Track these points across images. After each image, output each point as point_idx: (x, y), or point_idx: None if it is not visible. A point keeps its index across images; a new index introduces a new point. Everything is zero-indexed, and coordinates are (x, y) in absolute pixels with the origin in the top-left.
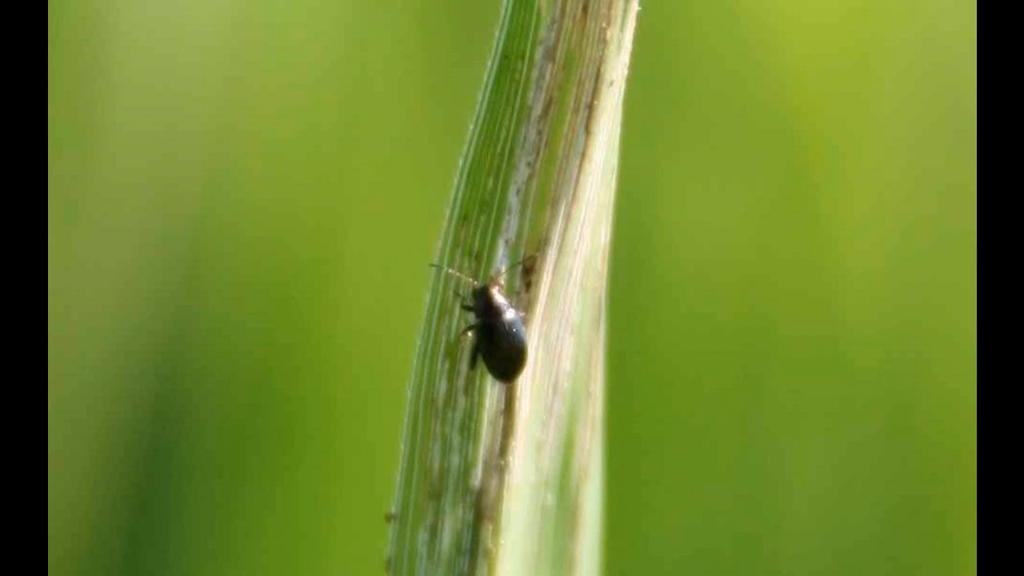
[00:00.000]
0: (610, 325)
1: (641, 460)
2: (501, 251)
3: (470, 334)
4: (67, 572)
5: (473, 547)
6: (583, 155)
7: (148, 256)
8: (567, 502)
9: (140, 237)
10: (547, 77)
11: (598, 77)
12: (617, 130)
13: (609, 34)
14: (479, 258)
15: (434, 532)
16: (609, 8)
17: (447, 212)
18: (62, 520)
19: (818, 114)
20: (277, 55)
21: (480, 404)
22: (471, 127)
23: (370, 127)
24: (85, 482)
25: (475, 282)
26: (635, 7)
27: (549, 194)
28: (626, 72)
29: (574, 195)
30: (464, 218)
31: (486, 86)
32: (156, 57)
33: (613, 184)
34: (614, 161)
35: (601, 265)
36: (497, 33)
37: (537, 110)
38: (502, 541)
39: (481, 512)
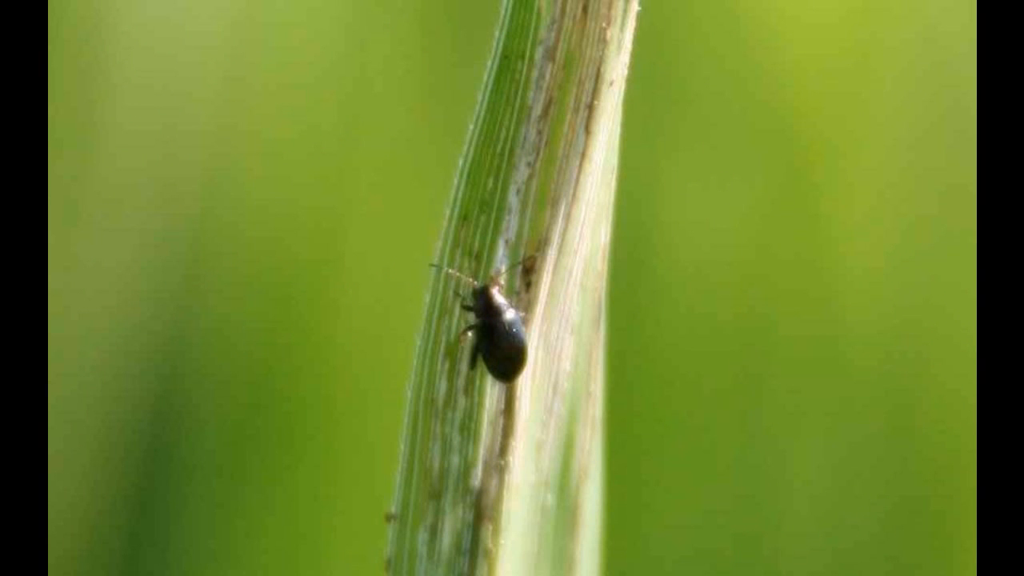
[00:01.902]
0: (610, 325)
1: (641, 460)
2: (501, 251)
3: (470, 334)
4: (67, 572)
5: (473, 547)
6: (583, 155)
7: (148, 256)
8: (567, 502)
9: (140, 237)
10: (547, 77)
11: (598, 77)
12: (617, 130)
13: (609, 34)
14: (479, 258)
15: (434, 532)
16: (609, 8)
17: (447, 212)
18: (62, 520)
19: (818, 114)
20: (277, 55)
21: (480, 404)
22: (471, 127)
23: (370, 127)
24: (85, 482)
25: (475, 282)
26: (635, 7)
27: (549, 194)
28: (626, 72)
29: (574, 195)
30: (464, 218)
31: (486, 86)
32: (156, 57)
33: (613, 184)
34: (614, 161)
35: (601, 265)
36: (497, 33)
37: (537, 110)
38: (502, 541)
39: (481, 512)
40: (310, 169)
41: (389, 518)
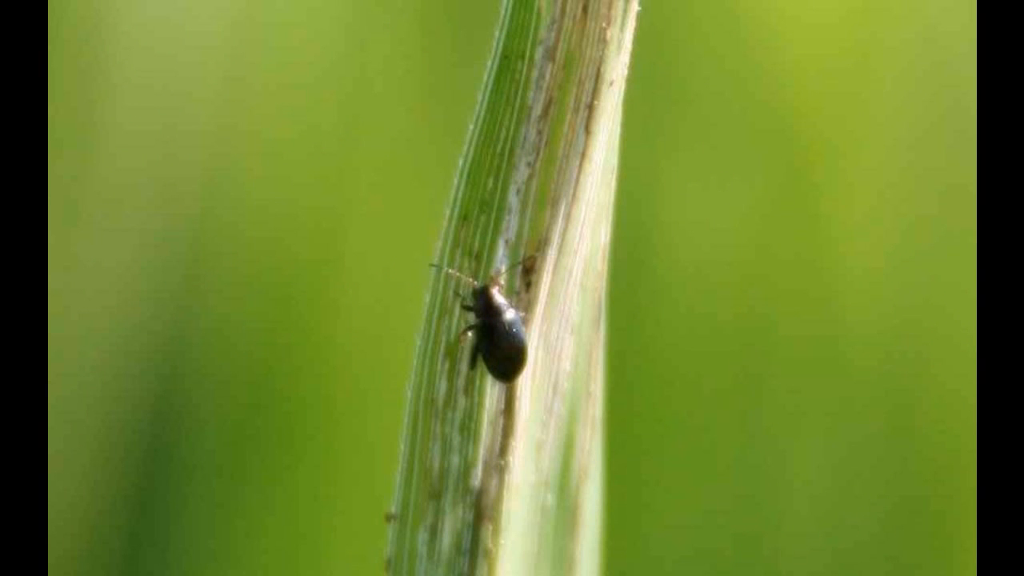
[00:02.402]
0: (610, 325)
1: (641, 460)
2: (501, 251)
3: (470, 334)
4: (67, 572)
5: (473, 547)
6: (583, 155)
7: (148, 256)
8: (567, 502)
9: (140, 237)
10: (547, 77)
11: (598, 77)
12: (617, 130)
13: (609, 34)
14: (479, 258)
15: (434, 532)
16: (609, 8)
17: (447, 212)
18: (62, 520)
19: (818, 114)
20: (277, 55)
21: (480, 404)
22: (471, 127)
23: (370, 127)
24: (85, 482)
25: (475, 282)
26: (635, 7)
27: (549, 194)
28: (626, 72)
29: (574, 195)
30: (464, 218)
31: (486, 86)
32: (156, 57)
33: (613, 184)
34: (614, 161)
35: (601, 265)
36: (497, 33)
37: (537, 110)
38: (502, 541)
39: (481, 512)
40: (310, 169)
41: (389, 518)
